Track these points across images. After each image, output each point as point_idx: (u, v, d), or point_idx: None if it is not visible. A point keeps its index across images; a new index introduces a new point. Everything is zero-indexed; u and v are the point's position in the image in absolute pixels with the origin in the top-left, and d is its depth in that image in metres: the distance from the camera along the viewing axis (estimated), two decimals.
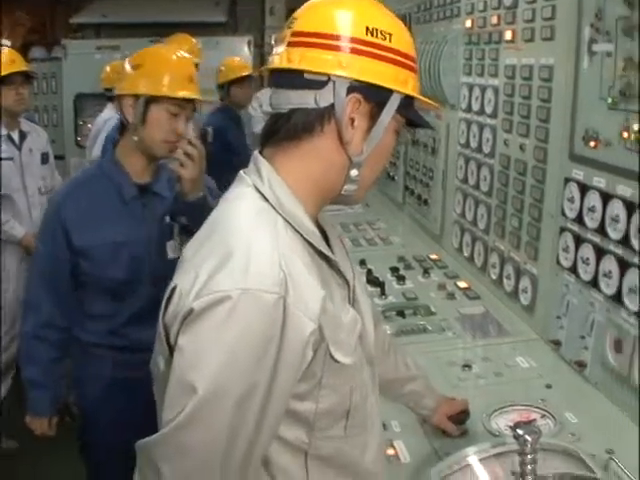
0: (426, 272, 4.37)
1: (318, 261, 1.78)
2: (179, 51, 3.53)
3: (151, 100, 3.15)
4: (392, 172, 6.04)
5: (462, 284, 4.19)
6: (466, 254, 4.42)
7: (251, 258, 1.61)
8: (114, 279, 3.24)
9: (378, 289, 4.05)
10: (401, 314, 3.75)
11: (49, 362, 3.33)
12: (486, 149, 4.12)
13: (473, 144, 4.31)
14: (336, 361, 1.73)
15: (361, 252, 4.78)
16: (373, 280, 4.15)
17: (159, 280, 3.18)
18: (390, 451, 2.60)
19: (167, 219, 3.36)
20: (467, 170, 4.41)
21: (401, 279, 4.25)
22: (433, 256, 4.70)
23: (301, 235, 1.74)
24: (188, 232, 3.20)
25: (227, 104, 7.44)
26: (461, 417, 2.69)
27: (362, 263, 4.47)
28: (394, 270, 4.39)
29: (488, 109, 4.08)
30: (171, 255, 3.34)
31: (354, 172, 1.80)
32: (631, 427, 2.73)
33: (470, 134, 4.36)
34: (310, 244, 1.76)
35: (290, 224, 1.73)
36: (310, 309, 1.63)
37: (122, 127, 3.31)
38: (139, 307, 3.25)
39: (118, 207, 3.25)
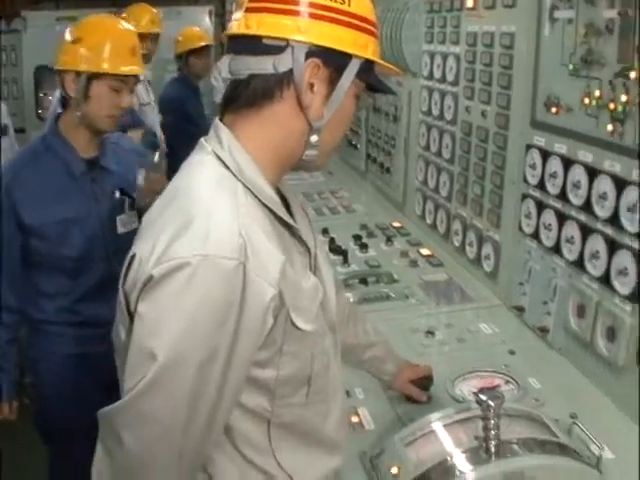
0: (389, 240, 4.35)
1: (279, 228, 1.76)
2: (121, 22, 3.42)
3: (93, 76, 3.07)
4: (354, 140, 6.00)
5: (425, 251, 4.17)
6: (429, 221, 4.40)
7: (211, 225, 1.59)
8: (68, 257, 3.17)
9: (341, 257, 4.02)
10: (364, 282, 3.72)
11: (5, 345, 3.26)
12: (448, 116, 4.09)
13: (435, 111, 4.28)
14: (297, 328, 1.71)
15: (324, 221, 4.75)
16: (336, 248, 4.12)
17: (112, 255, 3.17)
18: (354, 418, 2.58)
19: (117, 194, 3.29)
20: (429, 138, 4.38)
21: (364, 247, 4.23)
22: (396, 224, 4.68)
23: (261, 202, 1.72)
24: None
25: (185, 74, 7.39)
26: (425, 383, 2.68)
27: (325, 232, 4.44)
28: (357, 238, 4.37)
29: (450, 76, 4.05)
30: (122, 230, 3.28)
31: (314, 137, 1.77)
32: (593, 391, 2.75)
33: (432, 102, 4.33)
34: (271, 211, 1.74)
35: (250, 191, 1.71)
36: (270, 275, 1.61)
37: (64, 101, 3.23)
38: (94, 283, 3.21)
39: (67, 183, 3.17)
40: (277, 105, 1.75)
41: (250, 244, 1.59)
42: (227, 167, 1.72)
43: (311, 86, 1.73)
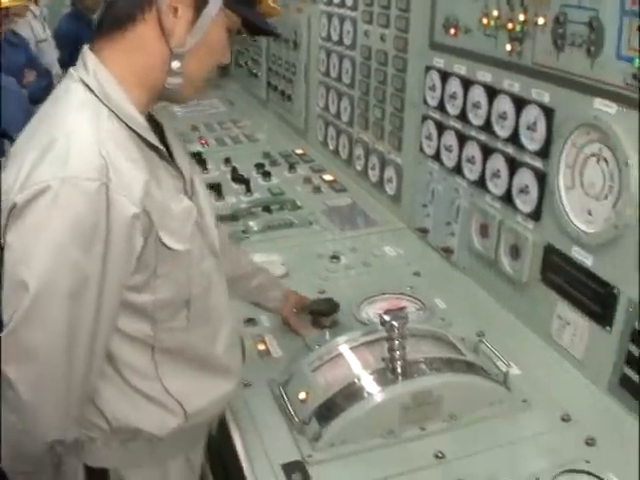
0: (292, 167, 4.28)
1: (147, 152, 1.71)
2: None
3: None
4: (255, 69, 5.85)
5: (328, 177, 4.12)
6: (331, 147, 4.33)
7: (71, 147, 1.53)
8: None
9: (243, 186, 3.94)
10: (267, 210, 3.65)
11: None
12: (347, 41, 3.99)
13: (334, 37, 4.17)
14: (168, 248, 1.67)
15: (226, 151, 4.65)
16: (238, 177, 4.05)
17: None
18: (261, 346, 2.52)
19: None
20: (329, 63, 4.27)
21: (267, 175, 4.14)
22: (298, 151, 4.61)
23: (128, 125, 1.66)
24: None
25: (79, 8, 7.20)
26: (323, 311, 2.63)
27: (227, 161, 4.35)
28: (259, 167, 4.28)
29: (348, 1, 3.93)
30: None
31: (175, 64, 1.71)
32: (498, 309, 2.75)
33: (331, 27, 4.21)
34: (138, 135, 1.69)
35: (116, 114, 1.65)
36: (133, 194, 1.57)
37: None
38: None
39: None
40: (140, 28, 1.68)
41: (112, 165, 1.54)
42: (92, 92, 1.66)
43: (175, 10, 1.67)
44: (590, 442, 2.08)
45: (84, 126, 1.57)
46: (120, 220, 1.55)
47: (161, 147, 1.75)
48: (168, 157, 1.78)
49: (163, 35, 1.67)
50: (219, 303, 1.91)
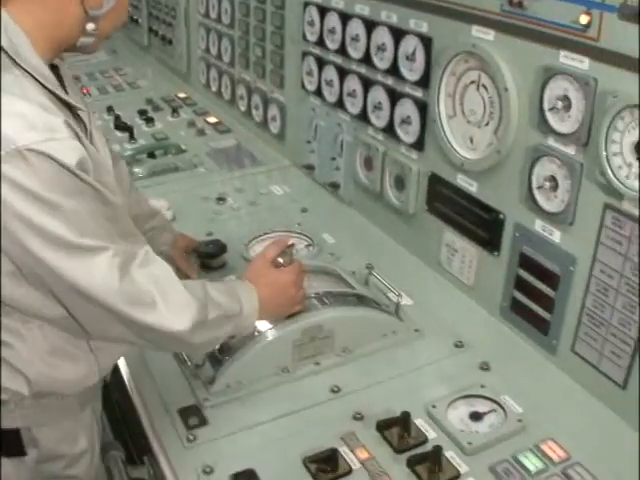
0: (175, 111, 4.12)
1: (57, 106, 1.60)
2: None
3: None
4: (135, 15, 5.59)
5: (212, 119, 3.99)
6: (214, 89, 4.17)
7: None
8: None
9: (127, 134, 3.76)
10: (152, 155, 3.50)
11: None
12: None
13: None
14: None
15: (108, 99, 4.43)
16: (121, 125, 3.86)
17: None
18: None
19: None
20: (208, 4, 4.08)
21: (150, 121, 3.98)
22: (181, 95, 4.44)
23: (37, 80, 1.57)
24: None
25: None
26: (210, 253, 2.54)
27: (110, 110, 4.15)
28: (142, 113, 4.10)
29: None
30: None
31: (90, 26, 1.66)
32: (387, 241, 2.71)
33: None
34: (46, 88, 1.59)
35: (25, 70, 1.55)
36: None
37: None
38: None
39: None
40: None
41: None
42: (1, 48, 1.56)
43: None
44: (484, 367, 2.07)
45: None
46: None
47: (72, 102, 1.67)
48: (76, 111, 1.70)
49: None
50: None
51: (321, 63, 2.95)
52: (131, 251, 1.60)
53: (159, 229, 2.43)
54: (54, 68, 1.71)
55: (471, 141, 2.24)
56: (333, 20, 2.81)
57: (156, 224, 2.42)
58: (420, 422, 1.85)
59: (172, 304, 1.62)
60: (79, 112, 1.72)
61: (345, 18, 2.73)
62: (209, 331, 1.74)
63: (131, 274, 1.56)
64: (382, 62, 2.56)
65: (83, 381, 1.73)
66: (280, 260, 2.04)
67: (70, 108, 1.67)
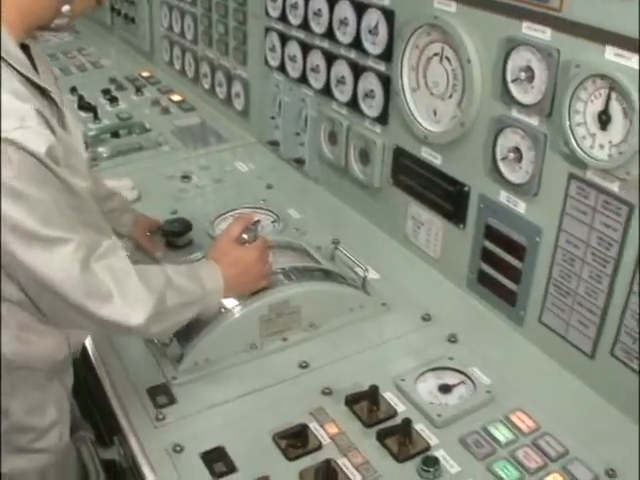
0: (139, 90, 4.04)
1: (31, 91, 1.57)
2: None
3: None
4: None
5: (176, 97, 3.91)
6: (177, 67, 4.08)
7: None
8: None
9: (91, 114, 3.66)
10: (116, 135, 3.43)
11: None
12: None
13: None
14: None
15: (71, 80, 4.27)
16: (85, 105, 3.75)
17: None
18: None
19: None
20: None
21: (114, 100, 3.89)
22: (145, 74, 4.34)
23: (11, 65, 1.53)
24: None
25: None
26: (175, 232, 2.49)
27: (73, 90, 4.01)
28: (106, 92, 4.00)
29: None
30: None
31: (66, 8, 1.65)
32: (353, 216, 2.69)
33: None
34: (20, 73, 1.55)
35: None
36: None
37: None
38: None
39: None
40: None
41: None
42: None
43: None
44: (452, 339, 2.05)
45: None
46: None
47: (46, 86, 1.62)
48: (50, 95, 1.64)
49: None
50: None
51: (284, 39, 2.90)
52: (94, 242, 1.56)
53: (119, 210, 2.38)
54: (24, 48, 1.66)
55: (435, 114, 2.21)
56: None
57: (115, 205, 2.37)
58: (389, 396, 1.84)
59: (128, 298, 1.59)
60: (51, 94, 1.66)
61: None
62: (169, 319, 1.71)
63: (91, 266, 1.53)
64: (345, 36, 2.51)
65: (54, 354, 1.71)
66: (244, 236, 2.00)
67: (42, 90, 1.63)
